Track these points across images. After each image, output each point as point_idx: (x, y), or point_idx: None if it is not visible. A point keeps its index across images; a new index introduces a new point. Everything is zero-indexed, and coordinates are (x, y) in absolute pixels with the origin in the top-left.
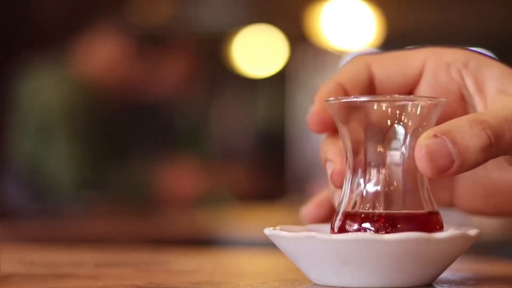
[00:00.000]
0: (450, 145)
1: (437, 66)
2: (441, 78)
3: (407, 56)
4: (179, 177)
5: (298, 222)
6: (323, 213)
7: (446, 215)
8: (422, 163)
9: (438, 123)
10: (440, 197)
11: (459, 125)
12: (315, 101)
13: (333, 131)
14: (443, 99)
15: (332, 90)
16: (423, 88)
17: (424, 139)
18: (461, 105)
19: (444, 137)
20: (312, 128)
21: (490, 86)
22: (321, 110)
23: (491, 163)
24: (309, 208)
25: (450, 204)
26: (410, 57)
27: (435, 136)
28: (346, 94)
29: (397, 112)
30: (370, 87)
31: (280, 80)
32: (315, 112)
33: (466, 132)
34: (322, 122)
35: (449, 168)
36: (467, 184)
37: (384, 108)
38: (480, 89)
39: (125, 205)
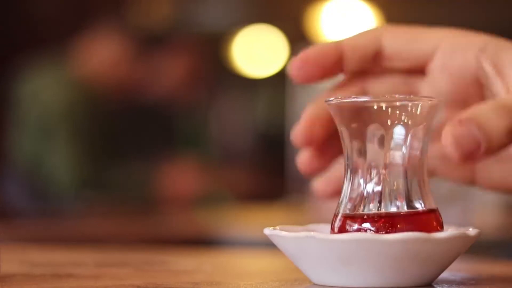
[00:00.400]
0: (476, 130)
1: (453, 48)
2: (456, 60)
3: (422, 33)
4: (179, 177)
5: (298, 222)
6: (332, 190)
7: (446, 215)
8: (450, 149)
9: (453, 107)
10: (462, 175)
11: (483, 110)
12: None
13: (319, 146)
14: (443, 99)
15: (327, 53)
16: (436, 69)
17: (450, 126)
18: (477, 88)
19: (469, 123)
20: (294, 69)
21: (510, 69)
22: (307, 60)
23: None
24: (320, 184)
25: (472, 182)
26: (425, 35)
27: (461, 122)
28: (342, 59)
29: (397, 112)
30: (376, 59)
31: (280, 80)
32: (301, 58)
33: (491, 117)
34: (305, 65)
35: (477, 152)
36: (489, 162)
37: (384, 108)
38: (500, 72)
39: (125, 205)
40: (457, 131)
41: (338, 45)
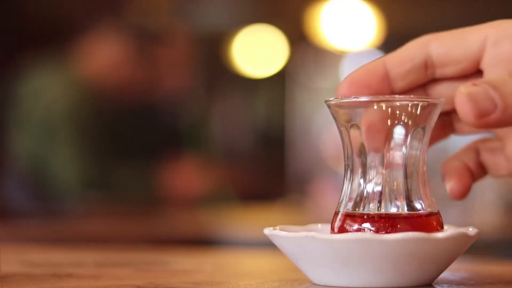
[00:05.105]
0: (491, 90)
1: (498, 37)
2: (504, 49)
3: (467, 32)
4: (182, 177)
5: (298, 222)
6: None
7: (446, 215)
8: (463, 107)
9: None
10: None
11: (499, 75)
12: (346, 77)
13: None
14: (442, 99)
15: (372, 72)
16: (488, 62)
17: (465, 87)
18: None
19: (484, 84)
20: (341, 91)
21: None
22: (353, 81)
23: None
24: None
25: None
26: (470, 33)
27: (475, 83)
28: (388, 76)
29: (397, 112)
30: (427, 69)
31: (280, 80)
32: (347, 80)
33: (507, 80)
34: (352, 86)
35: (492, 111)
36: None
37: (384, 108)
38: None
39: (127, 205)
40: (472, 89)
41: (383, 62)
